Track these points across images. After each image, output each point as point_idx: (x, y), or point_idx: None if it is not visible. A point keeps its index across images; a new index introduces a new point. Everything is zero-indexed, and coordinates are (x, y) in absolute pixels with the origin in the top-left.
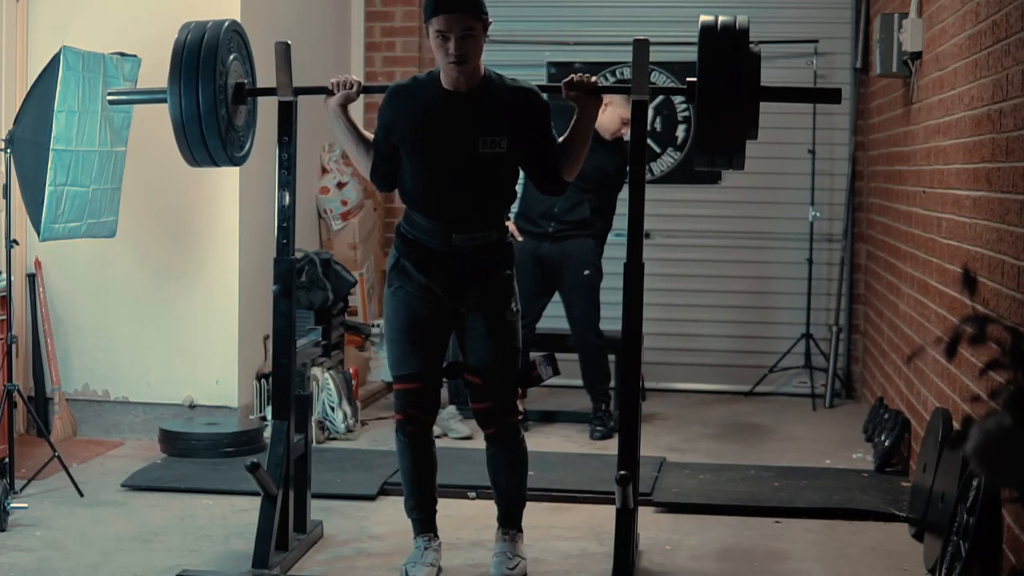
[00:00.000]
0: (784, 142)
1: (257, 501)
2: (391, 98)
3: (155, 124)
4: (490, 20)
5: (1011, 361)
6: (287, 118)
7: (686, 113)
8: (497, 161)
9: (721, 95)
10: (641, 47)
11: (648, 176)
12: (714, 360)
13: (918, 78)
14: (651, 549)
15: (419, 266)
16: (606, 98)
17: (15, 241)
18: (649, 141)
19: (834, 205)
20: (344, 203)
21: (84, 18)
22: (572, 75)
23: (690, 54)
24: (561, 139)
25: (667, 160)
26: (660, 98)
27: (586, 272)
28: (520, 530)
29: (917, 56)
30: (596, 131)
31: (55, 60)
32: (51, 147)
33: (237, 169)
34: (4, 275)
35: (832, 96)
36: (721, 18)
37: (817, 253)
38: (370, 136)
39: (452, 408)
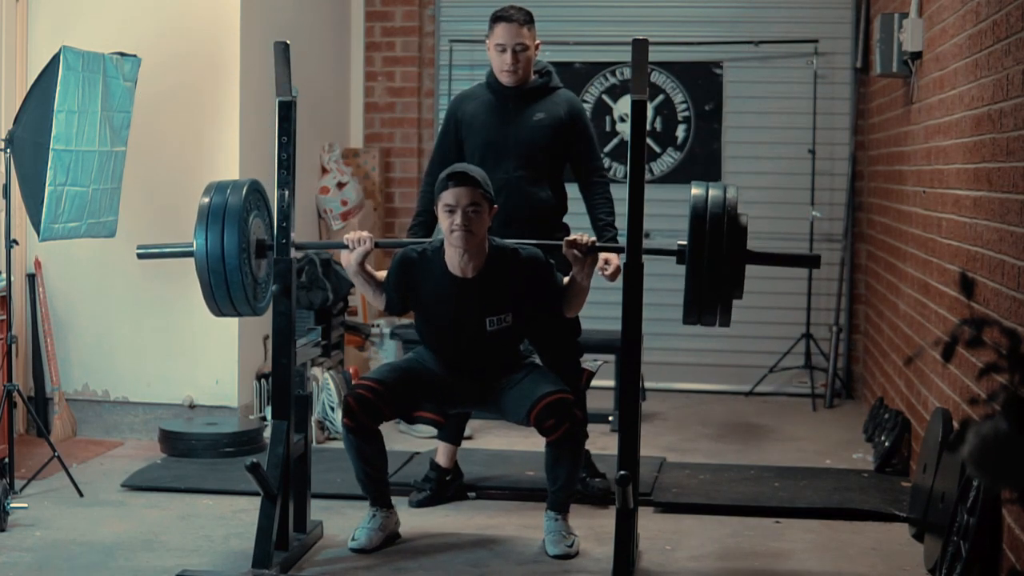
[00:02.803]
0: (784, 142)
1: (257, 501)
2: (401, 268)
3: (155, 124)
4: (496, 207)
5: (1008, 364)
6: (286, 118)
7: (686, 113)
8: (505, 332)
9: (709, 263)
10: (640, 47)
11: (648, 176)
12: (714, 360)
13: (918, 78)
14: (651, 549)
15: (446, 369)
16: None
17: (15, 241)
18: (649, 141)
19: (834, 205)
20: (344, 203)
21: (84, 18)
22: (573, 236)
23: (689, 54)
24: (564, 282)
25: (667, 160)
26: (660, 98)
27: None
28: (569, 510)
29: (917, 56)
30: None
31: (55, 60)
32: (51, 147)
33: (237, 168)
34: (4, 275)
35: (812, 262)
36: (712, 190)
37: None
38: (382, 276)
39: None
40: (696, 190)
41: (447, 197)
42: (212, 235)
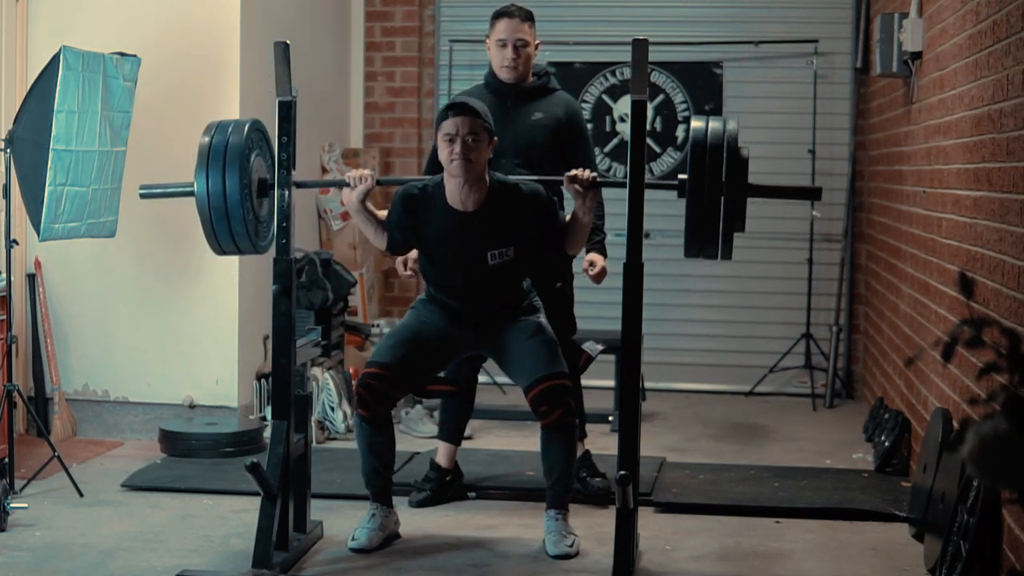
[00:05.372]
0: (784, 142)
1: (257, 501)
2: (404, 205)
3: (155, 124)
4: (496, 139)
5: (1008, 364)
6: (286, 118)
7: (686, 113)
8: (507, 266)
9: (709, 194)
10: (640, 47)
11: (648, 176)
12: (714, 360)
13: (918, 78)
14: (651, 549)
15: (448, 319)
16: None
17: (15, 241)
18: (649, 141)
19: (834, 205)
20: (344, 203)
21: (84, 18)
22: (575, 170)
23: (689, 54)
24: (567, 220)
25: (667, 160)
26: (660, 98)
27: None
28: (568, 509)
29: (917, 56)
30: None
31: (55, 60)
32: (51, 147)
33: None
34: (4, 275)
35: (813, 194)
36: (712, 122)
37: (817, 253)
38: (383, 215)
39: (419, 408)
40: (696, 123)
41: (447, 127)
42: (213, 176)
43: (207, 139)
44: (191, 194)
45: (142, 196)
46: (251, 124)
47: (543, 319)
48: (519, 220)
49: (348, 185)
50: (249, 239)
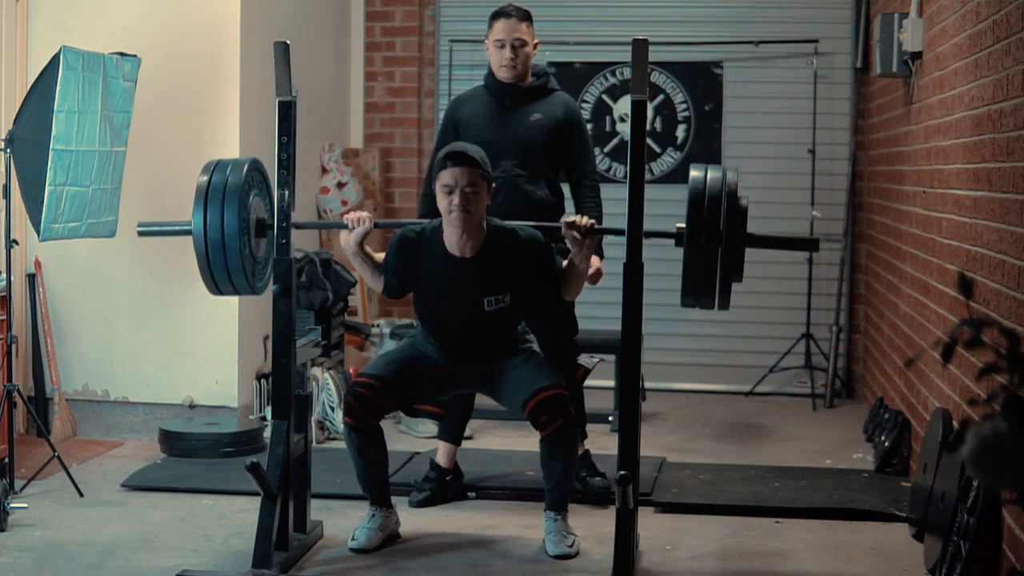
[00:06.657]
0: (784, 142)
1: (257, 501)
2: (400, 248)
3: (155, 124)
4: (494, 185)
5: (1008, 364)
6: (286, 118)
7: (686, 113)
8: (503, 312)
9: (707, 245)
10: (640, 47)
11: (648, 176)
12: (714, 360)
13: (918, 78)
14: (651, 549)
15: (443, 354)
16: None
17: (15, 241)
18: (649, 141)
19: (834, 205)
20: (344, 203)
21: (84, 18)
22: (572, 217)
23: (689, 54)
24: (563, 265)
25: (667, 160)
26: (660, 98)
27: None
28: (568, 510)
29: (917, 56)
30: None
31: (55, 60)
32: (51, 147)
33: None
34: (4, 275)
35: (811, 245)
36: (711, 172)
37: (817, 253)
38: (381, 258)
39: None
40: (695, 172)
41: (445, 177)
42: (212, 214)
43: (205, 178)
44: (189, 232)
45: (140, 234)
46: (251, 163)
47: (535, 347)
48: (516, 266)
49: (347, 228)
50: (245, 277)
